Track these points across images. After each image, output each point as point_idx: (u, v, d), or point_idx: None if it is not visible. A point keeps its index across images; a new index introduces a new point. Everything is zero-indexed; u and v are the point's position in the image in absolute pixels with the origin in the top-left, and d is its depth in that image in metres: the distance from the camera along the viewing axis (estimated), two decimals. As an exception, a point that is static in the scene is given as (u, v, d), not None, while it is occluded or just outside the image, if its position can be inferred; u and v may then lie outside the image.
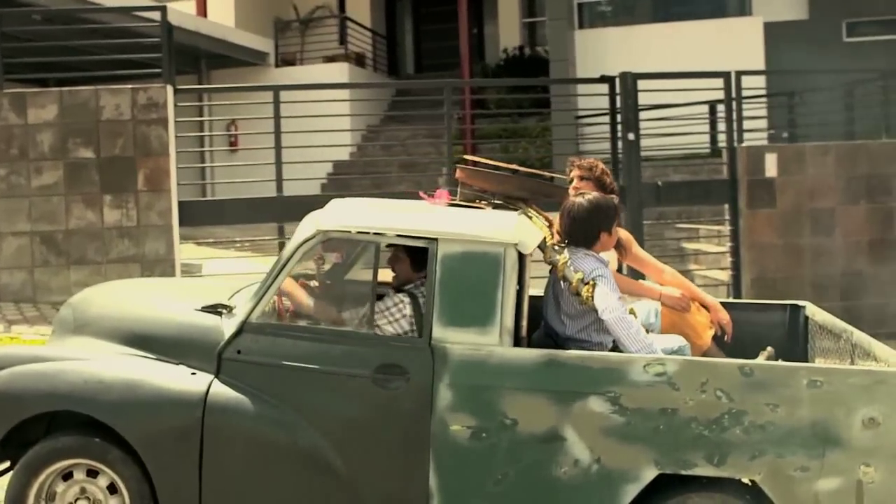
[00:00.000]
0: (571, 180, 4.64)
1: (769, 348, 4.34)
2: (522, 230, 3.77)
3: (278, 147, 9.09)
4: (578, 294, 3.83)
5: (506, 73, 18.25)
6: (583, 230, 3.98)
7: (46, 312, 8.34)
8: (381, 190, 15.53)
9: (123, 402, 3.71)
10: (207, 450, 3.68)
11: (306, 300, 3.91)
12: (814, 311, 4.71)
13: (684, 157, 13.71)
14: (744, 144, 9.67)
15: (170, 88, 8.81)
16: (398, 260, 3.96)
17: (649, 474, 3.51)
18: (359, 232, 3.76)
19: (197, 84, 15.52)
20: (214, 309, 3.95)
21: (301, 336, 3.75)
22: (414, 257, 3.90)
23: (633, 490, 3.52)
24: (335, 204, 4.18)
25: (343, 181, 15.88)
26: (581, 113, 14.52)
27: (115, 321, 4.06)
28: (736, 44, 15.23)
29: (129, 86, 8.83)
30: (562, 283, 3.92)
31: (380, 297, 3.82)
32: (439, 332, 3.62)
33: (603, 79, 9.82)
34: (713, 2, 16.35)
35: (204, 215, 9.11)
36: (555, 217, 4.34)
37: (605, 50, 15.70)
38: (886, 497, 3.43)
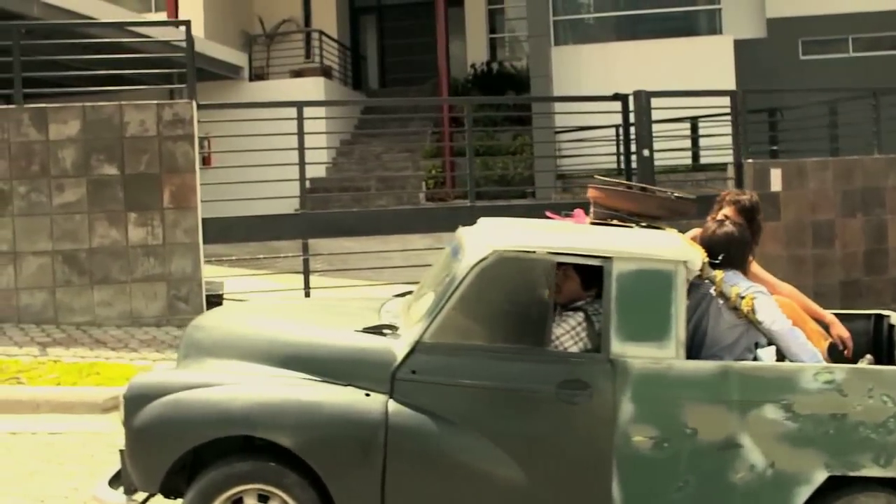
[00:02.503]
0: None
1: (868, 356, 4.56)
2: (690, 249, 3.91)
3: (302, 163, 9.07)
4: (737, 308, 3.97)
5: (476, 88, 18.43)
6: (740, 254, 4.17)
7: (73, 334, 8.12)
8: (361, 205, 15.62)
9: (303, 425, 3.68)
10: (390, 471, 3.69)
11: None
12: None
13: (663, 172, 14.11)
14: (750, 161, 10.01)
15: (194, 104, 8.70)
16: (567, 278, 4.03)
17: (820, 476, 3.68)
18: (534, 252, 3.83)
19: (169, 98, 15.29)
20: (378, 330, 3.96)
21: (479, 355, 3.79)
22: (584, 276, 3.99)
23: (805, 492, 3.68)
24: (490, 224, 4.25)
25: (322, 197, 15.82)
26: (561, 128, 14.83)
27: (269, 343, 4.00)
28: (708, 61, 15.73)
29: (154, 101, 8.69)
30: (719, 299, 4.05)
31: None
32: (618, 346, 3.72)
33: (616, 96, 10.05)
34: (685, 20, 16.84)
35: (228, 233, 8.99)
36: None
37: (580, 66, 16.03)
38: None
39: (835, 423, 3.68)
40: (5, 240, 8.36)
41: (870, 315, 5.10)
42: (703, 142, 13.49)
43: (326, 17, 19.89)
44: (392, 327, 3.98)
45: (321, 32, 18.45)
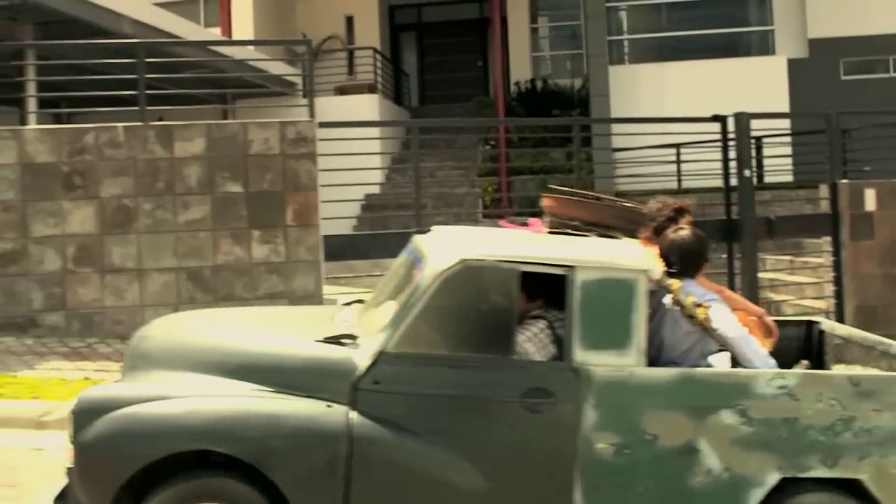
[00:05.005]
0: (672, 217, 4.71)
1: (804, 361, 4.65)
2: (650, 258, 4.01)
3: (417, 178, 9.13)
4: (692, 316, 4.02)
5: (521, 107, 18.53)
6: (695, 263, 4.23)
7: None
8: (419, 224, 15.65)
9: (267, 438, 3.60)
10: (354, 484, 3.64)
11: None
12: (833, 326, 5.11)
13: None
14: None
15: (316, 122, 8.76)
16: None
17: (773, 478, 3.80)
18: (500, 261, 3.82)
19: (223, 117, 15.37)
20: (337, 340, 3.88)
21: (443, 364, 3.77)
22: (527, 288, 3.97)
23: (759, 494, 3.79)
24: (448, 232, 4.33)
25: (378, 215, 15.85)
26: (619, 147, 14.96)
27: (223, 354, 3.91)
28: (761, 81, 15.96)
29: (278, 120, 8.75)
30: (674, 307, 4.10)
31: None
32: (580, 355, 3.77)
33: (715, 118, 10.17)
34: (737, 40, 17.07)
35: (346, 250, 9.03)
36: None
37: (635, 86, 16.22)
38: None
39: (787, 426, 3.82)
40: (130, 256, 8.38)
41: (801, 322, 5.22)
42: (769, 162, 13.72)
43: (369, 33, 19.98)
44: (351, 336, 3.90)
45: (374, 49, 18.50)
